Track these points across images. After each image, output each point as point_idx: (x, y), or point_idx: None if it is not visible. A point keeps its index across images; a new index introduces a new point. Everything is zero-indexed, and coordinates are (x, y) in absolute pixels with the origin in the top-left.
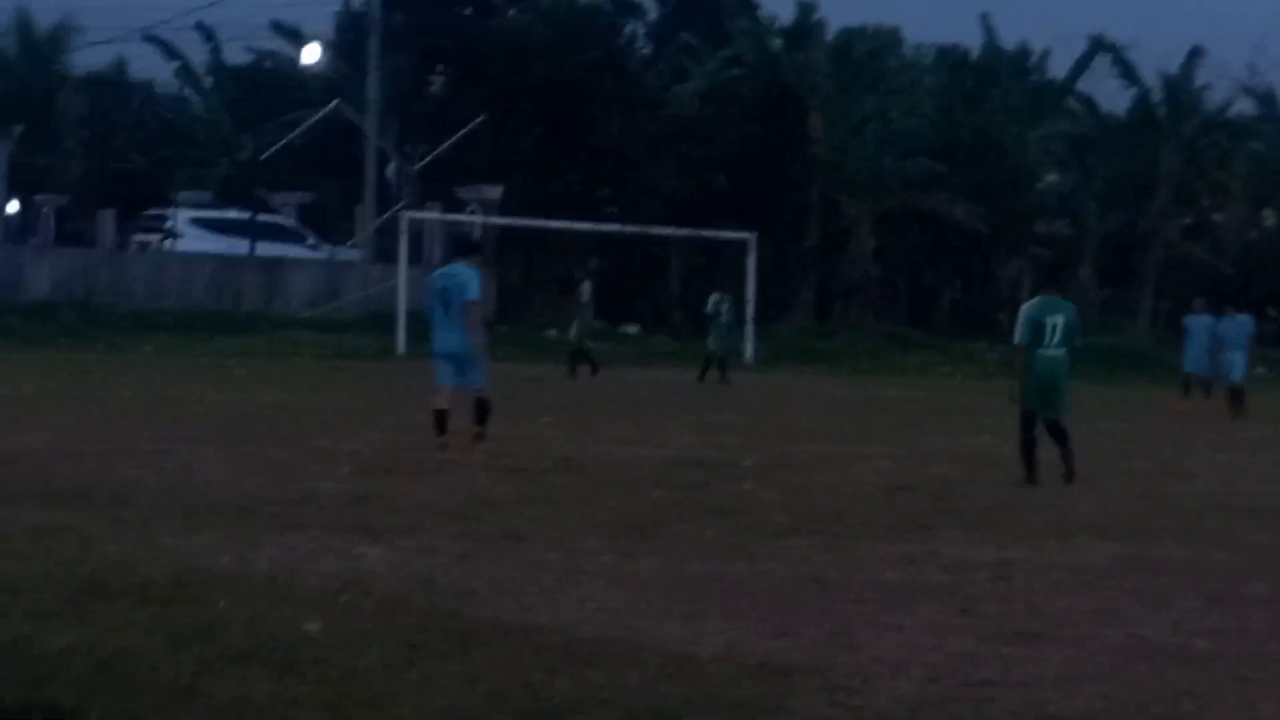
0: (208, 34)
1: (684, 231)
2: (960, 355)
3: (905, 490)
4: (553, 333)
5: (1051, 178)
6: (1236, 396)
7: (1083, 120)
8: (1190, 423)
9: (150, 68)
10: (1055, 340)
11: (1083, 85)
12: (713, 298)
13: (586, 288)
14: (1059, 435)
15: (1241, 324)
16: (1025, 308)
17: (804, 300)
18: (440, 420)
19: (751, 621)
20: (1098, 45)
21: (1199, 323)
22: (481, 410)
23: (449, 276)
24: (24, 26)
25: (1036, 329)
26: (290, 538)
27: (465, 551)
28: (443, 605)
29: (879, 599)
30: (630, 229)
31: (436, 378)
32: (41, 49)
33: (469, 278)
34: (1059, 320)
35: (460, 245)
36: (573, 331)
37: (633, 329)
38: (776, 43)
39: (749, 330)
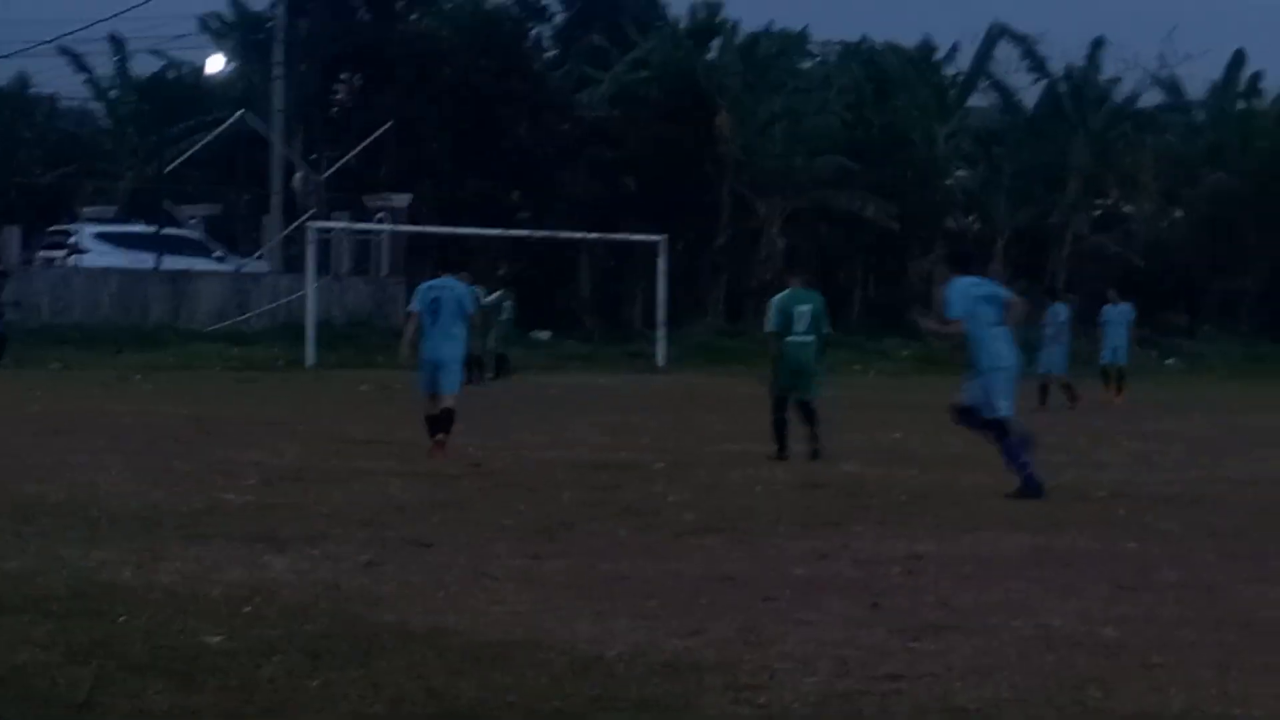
0: (118, 45)
1: (594, 235)
2: (873, 353)
3: (817, 487)
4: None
5: (961, 173)
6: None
7: (991, 115)
8: (1106, 411)
9: (52, 82)
10: (803, 328)
11: (990, 80)
12: (495, 294)
13: (507, 304)
14: (809, 415)
15: (1124, 311)
16: (775, 299)
17: (715, 301)
18: (431, 425)
19: (660, 620)
20: (1002, 33)
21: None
22: (446, 419)
23: (440, 288)
24: None
25: (785, 318)
26: (194, 549)
27: (372, 558)
28: (348, 612)
29: (789, 595)
30: (540, 234)
31: (420, 385)
32: None
33: (464, 291)
34: (806, 309)
35: (446, 261)
36: (490, 340)
37: (544, 334)
38: (683, 44)
39: (660, 332)
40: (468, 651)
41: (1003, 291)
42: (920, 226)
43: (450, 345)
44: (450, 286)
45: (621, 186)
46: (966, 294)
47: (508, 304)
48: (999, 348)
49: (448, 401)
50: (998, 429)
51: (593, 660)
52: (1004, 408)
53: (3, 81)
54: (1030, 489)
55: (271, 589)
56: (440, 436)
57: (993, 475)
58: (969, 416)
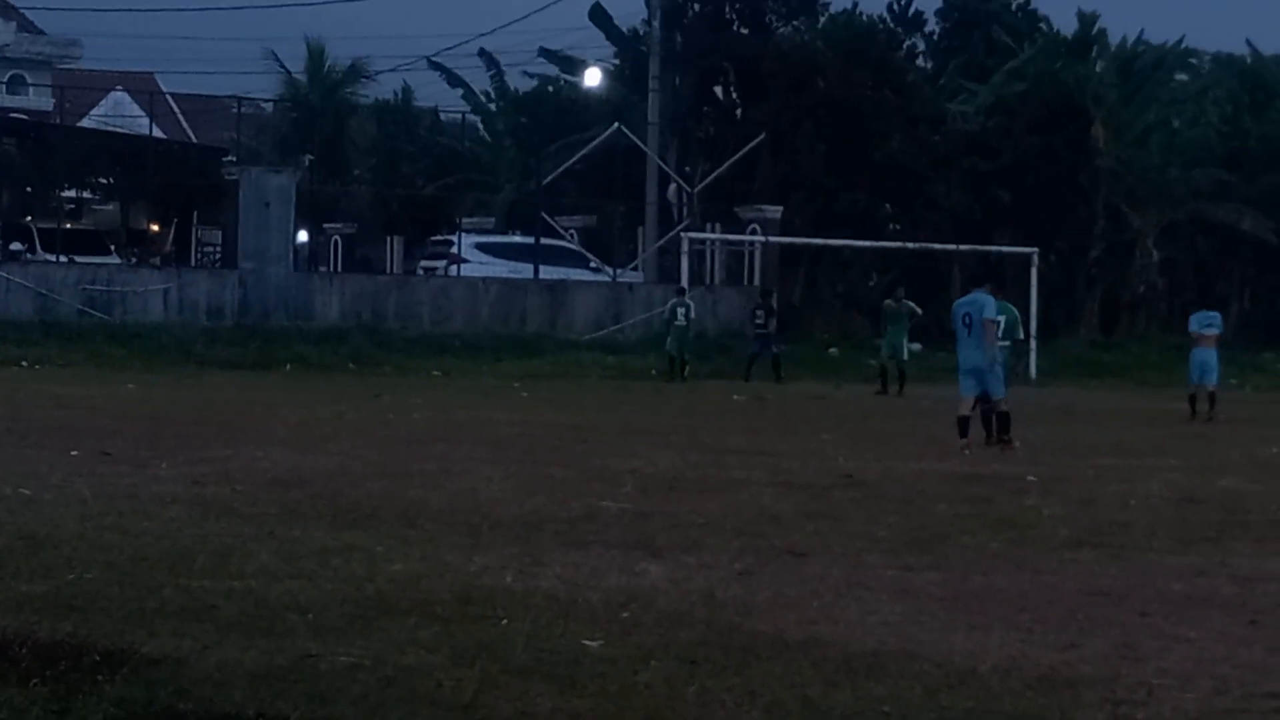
0: (491, 61)
1: (966, 247)
2: (1249, 366)
3: (1193, 502)
4: (834, 351)
5: None
6: None
7: None
8: None
9: (435, 95)
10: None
11: None
12: (671, 301)
13: (682, 309)
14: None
15: None
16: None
17: (1089, 313)
18: (961, 426)
19: (1035, 634)
20: None
21: None
22: (1002, 421)
23: (970, 303)
24: (316, 60)
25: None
26: (573, 555)
27: (747, 567)
28: (723, 620)
29: (1166, 611)
30: (912, 245)
31: (961, 389)
32: (332, 80)
33: (987, 301)
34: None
35: (976, 275)
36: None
37: (915, 346)
38: (1063, 55)
39: (1032, 345)
40: (842, 661)
41: None
42: None
43: (983, 353)
44: (976, 299)
45: (994, 198)
46: None
47: (682, 310)
48: None
49: (1001, 406)
50: None
51: (967, 673)
52: None
53: (386, 95)
54: None
55: (649, 596)
56: (1006, 437)
57: None
58: None
